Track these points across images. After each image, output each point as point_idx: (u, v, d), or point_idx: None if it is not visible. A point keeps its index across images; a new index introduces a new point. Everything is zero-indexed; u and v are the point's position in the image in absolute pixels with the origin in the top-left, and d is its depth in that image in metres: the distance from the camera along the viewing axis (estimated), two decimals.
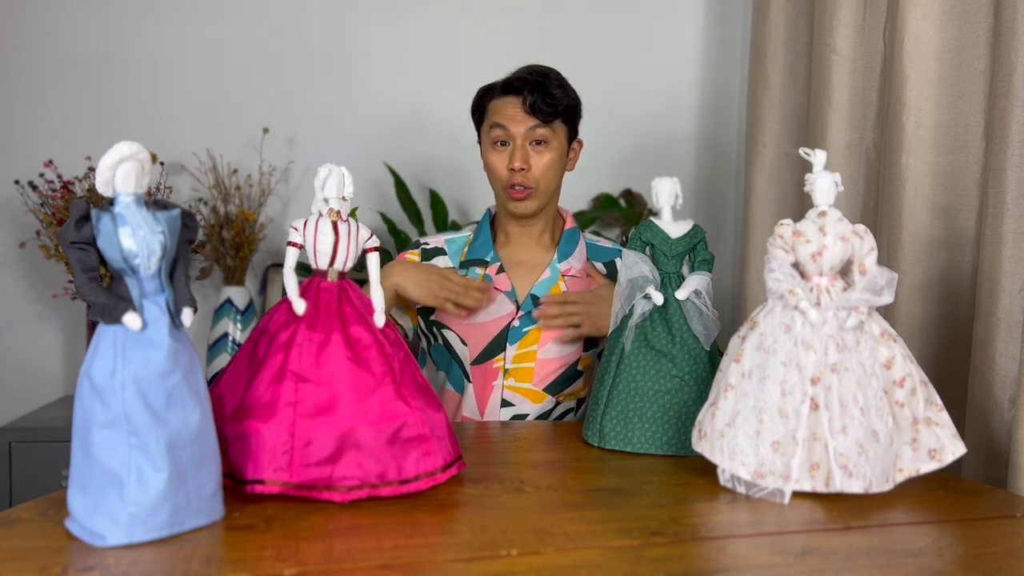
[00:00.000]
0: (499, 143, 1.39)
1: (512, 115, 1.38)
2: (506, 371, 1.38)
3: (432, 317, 1.43)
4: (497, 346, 1.38)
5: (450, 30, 2.20)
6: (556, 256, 1.44)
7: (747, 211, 1.95)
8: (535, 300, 1.39)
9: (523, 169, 1.37)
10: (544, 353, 1.38)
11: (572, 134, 1.45)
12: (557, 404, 1.40)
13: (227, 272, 1.96)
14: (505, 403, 1.38)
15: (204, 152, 2.04)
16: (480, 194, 2.15)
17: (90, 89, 2.02)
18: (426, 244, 1.48)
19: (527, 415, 1.38)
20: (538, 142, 1.38)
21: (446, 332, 1.42)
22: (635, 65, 2.31)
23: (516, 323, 1.39)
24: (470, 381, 1.39)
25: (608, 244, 1.52)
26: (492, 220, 1.51)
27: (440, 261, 1.45)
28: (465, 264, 1.44)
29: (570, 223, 1.50)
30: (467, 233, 1.51)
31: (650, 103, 2.31)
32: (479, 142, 1.47)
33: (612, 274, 1.47)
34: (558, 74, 1.41)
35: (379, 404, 0.81)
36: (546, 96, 1.36)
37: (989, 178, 1.23)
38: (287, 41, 2.12)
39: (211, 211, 1.98)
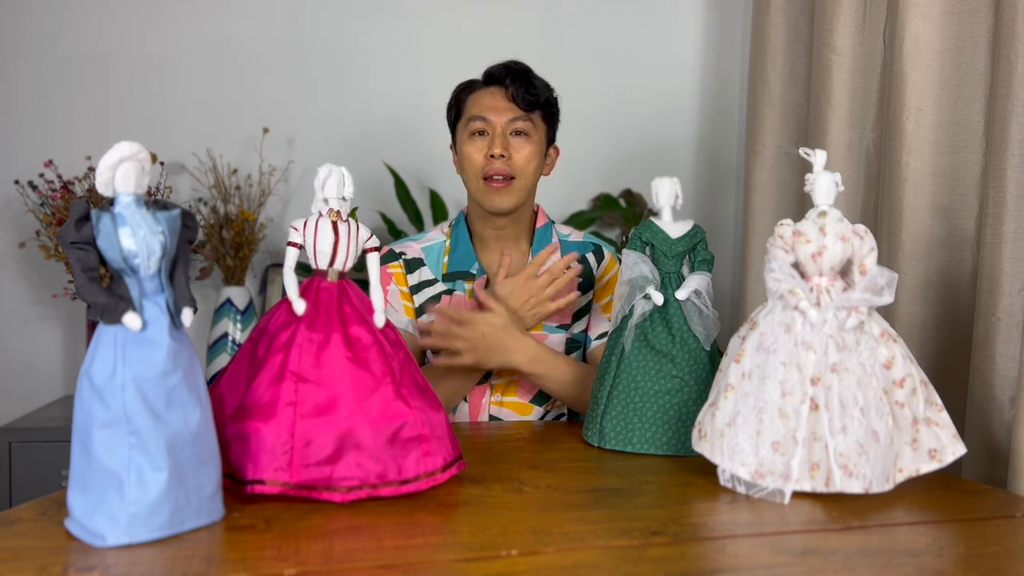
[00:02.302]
0: (477, 134, 1.34)
1: (493, 105, 1.33)
2: (492, 387, 1.37)
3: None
4: None
5: (450, 30, 2.20)
6: (531, 258, 1.39)
7: (747, 211, 1.95)
8: None
9: (503, 156, 1.31)
10: None
11: (551, 136, 1.41)
12: (546, 413, 1.39)
13: (227, 272, 1.97)
14: (493, 418, 1.37)
15: (204, 152, 2.04)
16: None
17: (90, 89, 2.02)
18: (404, 254, 1.40)
19: None
20: (518, 133, 1.34)
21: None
22: (635, 65, 2.31)
23: None
24: (466, 401, 1.37)
25: (580, 238, 1.45)
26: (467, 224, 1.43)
27: (421, 274, 1.39)
28: (449, 277, 1.38)
29: (542, 219, 1.44)
30: (440, 237, 1.43)
31: (650, 103, 2.31)
32: (451, 145, 1.42)
33: (586, 270, 1.41)
34: (536, 73, 1.38)
35: (379, 404, 0.81)
36: (528, 86, 1.33)
37: (989, 178, 1.23)
38: (287, 41, 2.12)
39: (211, 211, 1.98)
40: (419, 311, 1.38)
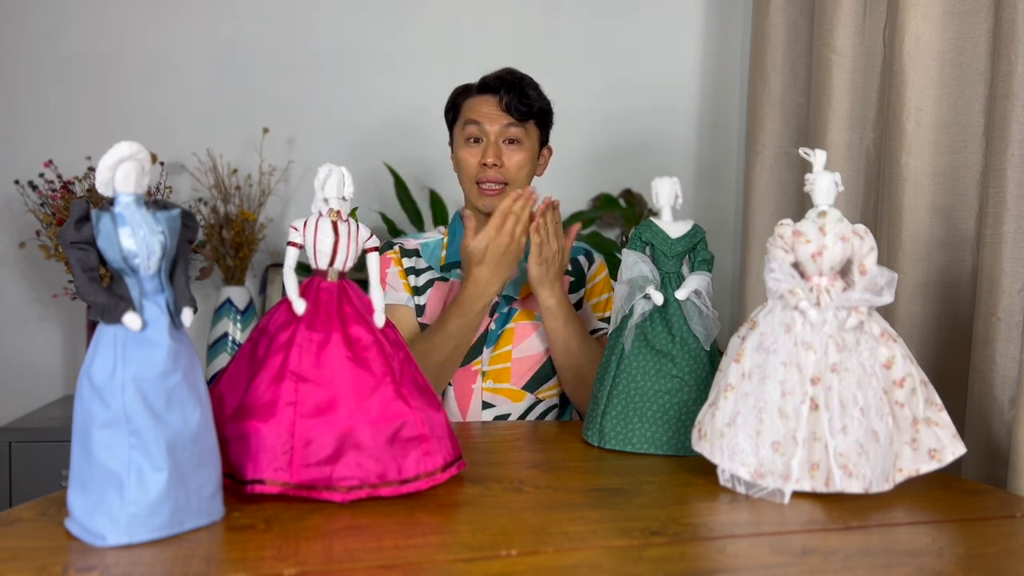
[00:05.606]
0: (472, 140, 1.39)
1: (487, 113, 1.38)
2: (484, 374, 1.38)
3: (418, 319, 1.42)
4: (475, 351, 1.38)
5: (450, 30, 2.20)
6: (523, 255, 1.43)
7: (747, 211, 1.95)
8: (507, 300, 1.41)
9: (496, 165, 1.36)
10: (519, 352, 1.39)
11: (544, 139, 1.46)
12: (538, 401, 1.41)
13: (227, 272, 1.97)
14: (486, 404, 1.38)
15: (204, 152, 2.04)
16: None
17: (90, 89, 2.02)
18: (402, 244, 1.46)
19: (509, 415, 1.38)
20: (511, 141, 1.38)
21: None
22: (635, 65, 2.31)
23: (492, 326, 1.39)
24: (451, 385, 1.39)
25: (573, 243, 1.50)
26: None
27: (416, 262, 1.44)
28: (447, 267, 1.43)
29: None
30: (437, 235, 1.49)
31: (650, 103, 2.31)
32: (450, 143, 1.47)
33: (576, 272, 1.46)
34: (532, 80, 1.42)
35: (379, 404, 0.81)
36: (522, 96, 1.37)
37: (989, 178, 1.23)
38: (287, 41, 2.12)
39: (211, 211, 1.98)
40: (415, 289, 1.42)
